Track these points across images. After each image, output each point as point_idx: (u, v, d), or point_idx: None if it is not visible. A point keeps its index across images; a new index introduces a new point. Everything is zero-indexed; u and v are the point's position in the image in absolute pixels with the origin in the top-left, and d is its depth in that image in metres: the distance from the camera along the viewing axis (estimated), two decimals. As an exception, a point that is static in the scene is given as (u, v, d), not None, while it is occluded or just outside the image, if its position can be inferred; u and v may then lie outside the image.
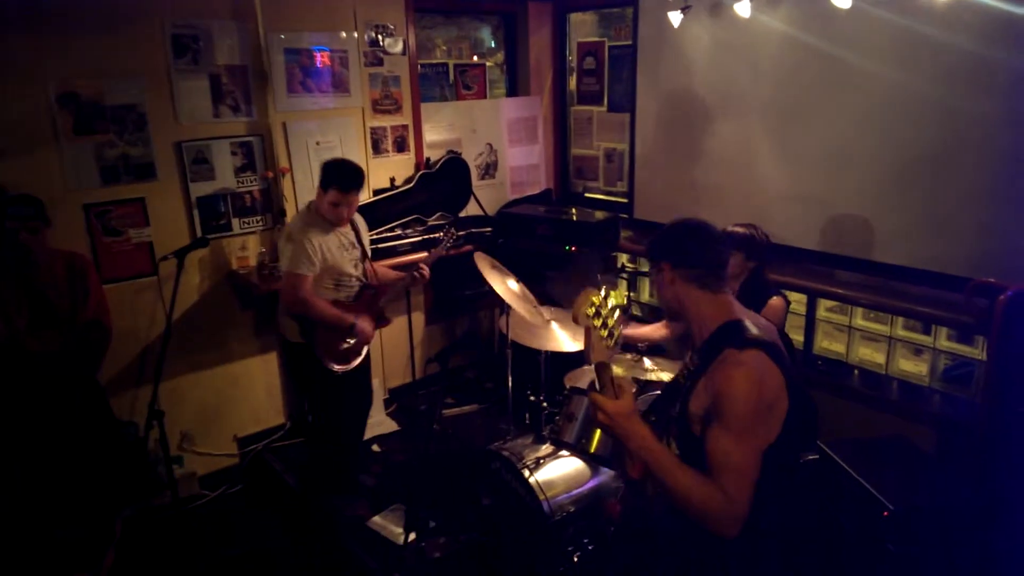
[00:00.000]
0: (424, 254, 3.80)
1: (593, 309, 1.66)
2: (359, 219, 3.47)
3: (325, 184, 3.14)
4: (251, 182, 3.88)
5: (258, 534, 3.44)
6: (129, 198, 3.48)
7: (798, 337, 3.94)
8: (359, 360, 3.41)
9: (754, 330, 1.70)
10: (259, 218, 3.93)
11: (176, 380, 3.72)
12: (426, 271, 3.46)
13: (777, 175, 3.84)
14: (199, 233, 3.67)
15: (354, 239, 3.35)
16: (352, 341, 3.27)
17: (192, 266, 3.69)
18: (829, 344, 3.90)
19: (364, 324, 3.29)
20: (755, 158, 3.91)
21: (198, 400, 3.85)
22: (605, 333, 1.64)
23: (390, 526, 3.41)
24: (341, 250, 3.26)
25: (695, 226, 1.84)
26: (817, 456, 3.00)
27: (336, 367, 3.28)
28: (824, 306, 3.91)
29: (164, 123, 3.53)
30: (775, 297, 3.15)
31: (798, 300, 3.82)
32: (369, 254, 3.46)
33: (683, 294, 1.80)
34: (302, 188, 4.05)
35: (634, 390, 1.68)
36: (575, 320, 1.70)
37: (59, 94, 3.23)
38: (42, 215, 2.88)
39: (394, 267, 3.74)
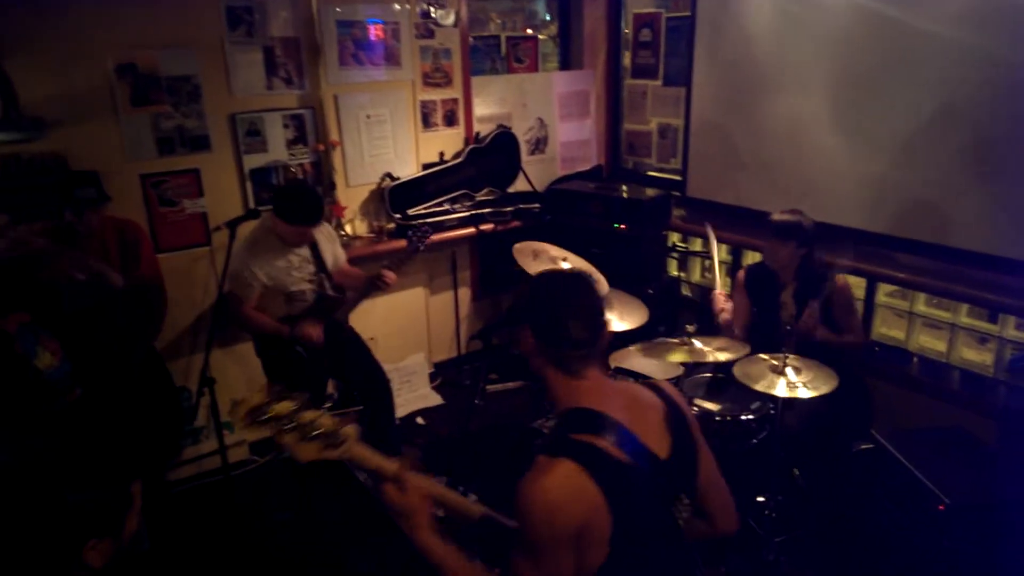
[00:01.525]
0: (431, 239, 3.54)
1: (249, 416, 1.46)
2: (323, 229, 3.35)
3: (289, 217, 3.03)
4: (302, 155, 3.92)
5: (303, 500, 3.52)
6: (184, 169, 3.56)
7: (855, 322, 3.79)
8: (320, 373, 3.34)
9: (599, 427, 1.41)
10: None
11: (228, 348, 3.81)
12: (389, 277, 3.25)
13: (839, 153, 3.68)
14: (251, 205, 3.73)
15: (308, 255, 3.22)
16: (300, 350, 3.17)
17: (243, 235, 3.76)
18: (888, 330, 3.75)
19: (306, 329, 3.13)
20: (816, 135, 3.75)
21: (249, 368, 3.94)
22: (290, 433, 1.44)
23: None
24: (289, 269, 3.15)
25: (563, 289, 1.51)
26: (871, 445, 2.90)
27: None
28: (884, 290, 3.75)
29: (218, 95, 3.58)
30: (839, 276, 3.07)
31: (857, 284, 3.68)
32: (331, 263, 3.31)
33: (541, 368, 1.51)
34: (352, 161, 4.07)
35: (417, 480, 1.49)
36: (241, 428, 1.50)
37: (118, 65, 3.30)
38: (103, 194, 2.98)
39: (434, 243, 3.67)
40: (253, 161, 3.75)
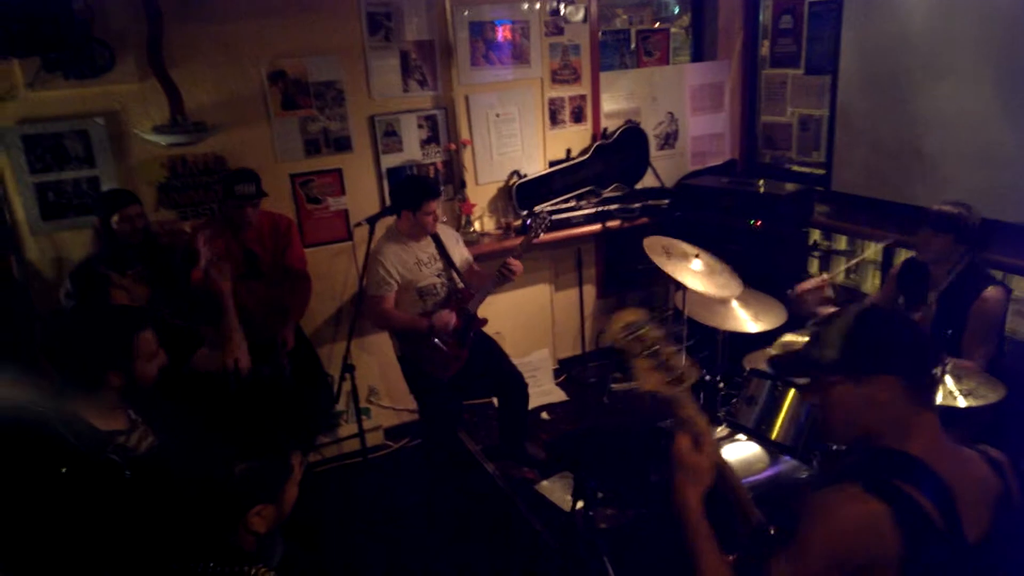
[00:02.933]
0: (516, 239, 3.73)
1: (625, 328, 1.47)
2: (447, 231, 3.51)
3: (414, 202, 3.22)
4: (435, 154, 4.04)
5: (430, 487, 3.62)
6: (328, 169, 3.76)
7: (1026, 329, 3.41)
8: (460, 366, 3.39)
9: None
10: (442, 189, 4.08)
11: (366, 337, 3.99)
12: (515, 266, 3.30)
13: (1010, 142, 3.32)
14: (388, 202, 3.89)
15: (435, 252, 3.36)
16: (439, 341, 3.27)
17: (381, 232, 3.92)
18: (1065, 339, 3.35)
19: (440, 319, 3.25)
20: (982, 122, 3.41)
21: (385, 357, 4.11)
22: (646, 359, 1.45)
23: (558, 491, 3.45)
24: (419, 265, 3.31)
25: (899, 320, 1.41)
26: None
27: (441, 374, 3.35)
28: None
29: (359, 98, 3.76)
30: (991, 288, 2.75)
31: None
32: (458, 262, 3.43)
33: (873, 417, 1.36)
34: (481, 160, 4.14)
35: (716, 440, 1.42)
36: (609, 340, 1.50)
37: (270, 72, 3.54)
38: (261, 190, 3.21)
39: (553, 241, 3.83)
40: (390, 161, 3.91)
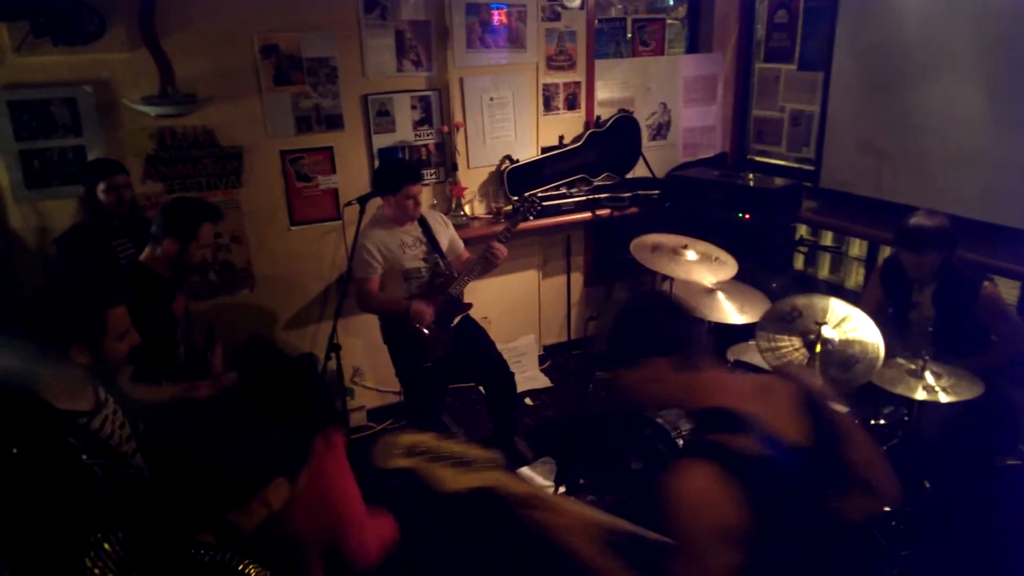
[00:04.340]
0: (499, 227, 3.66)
1: (406, 452, 1.46)
2: (435, 215, 3.52)
3: (394, 185, 3.21)
4: (427, 136, 4.01)
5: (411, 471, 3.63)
6: (319, 147, 3.73)
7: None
8: (444, 351, 3.38)
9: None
10: (433, 171, 4.07)
11: (352, 318, 3.97)
12: (498, 249, 3.31)
13: (993, 144, 3.37)
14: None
15: (421, 235, 3.37)
16: (420, 326, 3.26)
17: (371, 212, 3.91)
18: (1044, 340, 3.41)
19: (418, 306, 3.23)
20: (968, 125, 3.46)
21: (370, 338, 4.10)
22: (443, 466, 1.47)
23: (539, 477, 3.48)
24: (404, 247, 3.31)
25: (665, 304, 1.61)
26: (1020, 462, 2.66)
27: (426, 357, 3.34)
28: (1042, 296, 3.42)
29: (352, 76, 3.72)
30: (986, 283, 2.82)
31: (1011, 287, 3.37)
32: (446, 247, 3.43)
33: (667, 384, 1.53)
34: (474, 143, 4.13)
35: None
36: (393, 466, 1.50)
37: (263, 46, 3.49)
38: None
39: (543, 228, 3.84)
40: (382, 141, 3.88)
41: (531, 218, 3.48)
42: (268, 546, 1.43)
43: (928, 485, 2.94)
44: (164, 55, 3.24)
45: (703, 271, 3.17)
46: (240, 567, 1.34)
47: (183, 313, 2.78)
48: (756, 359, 3.14)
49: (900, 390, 2.53)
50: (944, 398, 2.49)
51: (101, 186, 2.94)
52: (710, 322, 3.28)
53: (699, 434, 1.48)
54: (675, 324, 1.54)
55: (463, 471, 1.48)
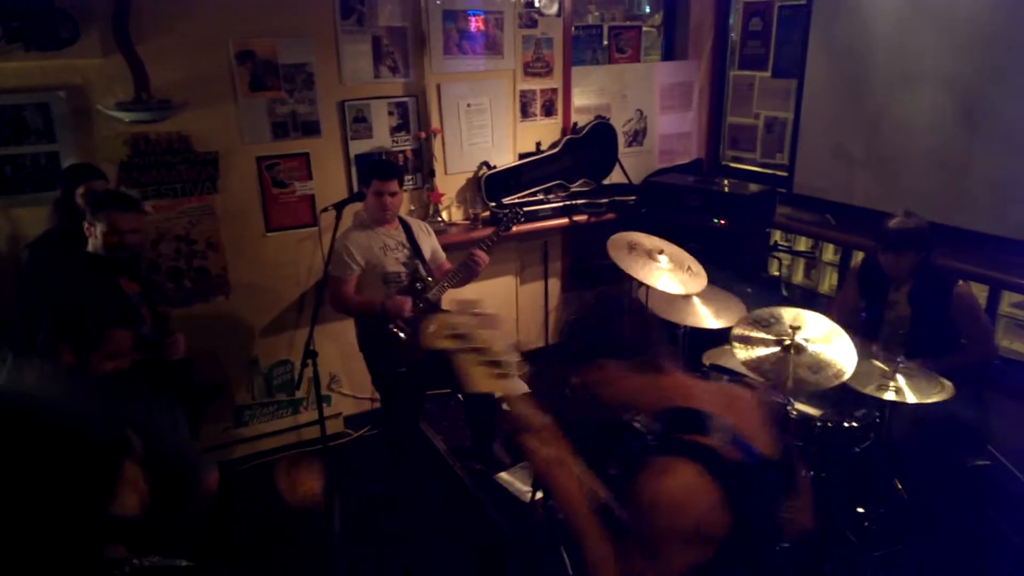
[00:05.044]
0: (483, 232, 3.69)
1: (442, 327, 1.47)
2: (418, 223, 3.54)
3: (365, 181, 3.31)
4: (404, 142, 4.02)
5: (389, 476, 3.62)
6: (296, 152, 3.71)
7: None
8: (420, 356, 3.30)
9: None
10: (410, 177, 4.07)
11: (329, 324, 3.95)
12: (480, 257, 3.33)
13: (961, 151, 3.45)
14: (355, 188, 3.86)
15: (403, 239, 3.38)
16: (396, 328, 3.25)
17: (348, 219, 3.90)
18: (1010, 343, 3.49)
19: (392, 302, 3.22)
20: (937, 131, 3.53)
21: (347, 344, 4.09)
22: (470, 356, 1.45)
23: (517, 483, 3.48)
24: (384, 250, 3.32)
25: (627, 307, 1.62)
26: (988, 462, 2.71)
27: (401, 362, 3.31)
28: (1008, 300, 3.49)
29: (329, 82, 3.71)
30: (960, 283, 2.91)
31: (979, 292, 3.44)
32: (428, 255, 3.44)
33: (627, 386, 1.57)
34: (451, 149, 4.14)
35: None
36: (428, 342, 1.49)
37: (238, 52, 3.48)
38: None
39: (521, 234, 3.84)
40: (359, 147, 3.87)
41: (512, 228, 3.50)
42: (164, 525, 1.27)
43: (900, 486, 3.00)
44: (139, 61, 3.22)
45: (674, 281, 3.20)
46: (175, 566, 1.17)
47: (136, 295, 2.79)
48: (732, 363, 3.18)
49: (870, 391, 2.58)
50: (913, 399, 2.54)
51: (80, 190, 2.91)
52: (685, 327, 3.32)
53: (670, 434, 1.47)
54: (634, 326, 1.55)
55: (492, 373, 1.47)
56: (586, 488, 1.58)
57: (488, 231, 3.50)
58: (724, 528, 1.36)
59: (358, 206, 3.39)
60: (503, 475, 3.55)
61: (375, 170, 3.34)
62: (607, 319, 1.59)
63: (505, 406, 1.47)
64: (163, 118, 3.33)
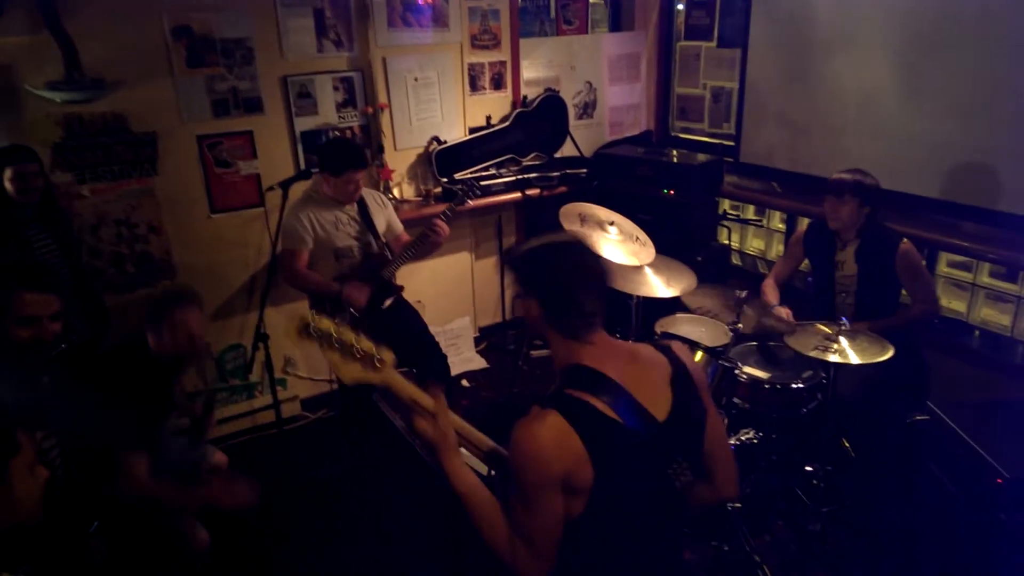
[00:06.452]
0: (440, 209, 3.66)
1: (302, 331, 1.52)
2: (373, 194, 3.48)
3: (336, 167, 3.15)
4: (352, 117, 3.94)
5: (348, 459, 3.60)
6: (238, 131, 3.61)
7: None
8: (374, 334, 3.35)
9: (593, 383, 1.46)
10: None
11: (281, 307, 3.89)
12: (441, 227, 3.31)
13: (902, 117, 3.54)
14: (302, 166, 3.78)
15: (356, 214, 3.32)
16: (354, 311, 3.23)
17: (295, 197, 3.82)
18: (948, 302, 3.62)
19: (352, 291, 3.22)
20: (878, 98, 3.61)
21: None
22: (333, 352, 1.50)
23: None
24: (336, 224, 3.26)
25: (569, 260, 1.53)
26: (927, 417, 2.82)
27: None
28: (945, 260, 3.62)
29: (270, 57, 3.61)
30: (903, 241, 3.00)
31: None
32: (383, 229, 3.41)
33: (546, 333, 1.55)
34: (400, 124, 4.08)
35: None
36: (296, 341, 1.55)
37: (174, 27, 3.35)
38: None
39: (474, 209, 3.79)
40: (304, 124, 3.78)
41: (469, 203, 3.48)
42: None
43: (847, 444, 3.11)
44: (68, 38, 3.08)
45: (624, 251, 3.23)
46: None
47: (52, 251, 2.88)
48: (683, 330, 3.24)
49: (815, 354, 2.65)
50: (856, 360, 2.62)
51: (7, 173, 2.78)
52: (638, 297, 3.36)
53: (559, 387, 1.50)
54: (573, 275, 1.52)
55: (350, 362, 1.52)
56: (484, 448, 1.66)
57: (442, 207, 3.47)
58: (589, 482, 1.40)
59: (306, 184, 3.32)
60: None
61: (349, 160, 3.19)
62: (555, 254, 1.58)
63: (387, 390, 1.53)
64: (96, 97, 3.20)
